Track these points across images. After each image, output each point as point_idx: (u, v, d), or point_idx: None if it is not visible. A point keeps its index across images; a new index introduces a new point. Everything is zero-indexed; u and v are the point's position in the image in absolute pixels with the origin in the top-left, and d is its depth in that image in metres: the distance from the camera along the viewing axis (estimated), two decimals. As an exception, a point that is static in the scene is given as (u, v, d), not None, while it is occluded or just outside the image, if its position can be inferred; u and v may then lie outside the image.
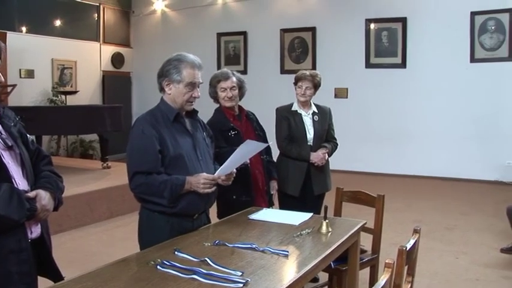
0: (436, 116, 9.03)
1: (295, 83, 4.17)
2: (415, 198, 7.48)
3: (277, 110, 4.26)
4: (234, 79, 3.60)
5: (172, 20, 11.75)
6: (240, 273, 2.10)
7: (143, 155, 2.69)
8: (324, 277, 3.80)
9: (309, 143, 4.13)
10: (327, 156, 4.16)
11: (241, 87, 3.67)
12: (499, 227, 5.56)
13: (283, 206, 3.98)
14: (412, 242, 2.44)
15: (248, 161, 3.34)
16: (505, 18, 8.54)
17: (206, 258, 2.24)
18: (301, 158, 4.08)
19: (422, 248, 4.81)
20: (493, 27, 8.66)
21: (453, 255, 4.99)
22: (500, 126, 8.52)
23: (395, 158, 9.26)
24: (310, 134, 4.14)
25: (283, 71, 10.29)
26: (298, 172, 4.09)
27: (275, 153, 4.12)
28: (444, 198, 7.49)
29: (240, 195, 3.44)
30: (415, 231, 2.59)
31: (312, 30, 10.12)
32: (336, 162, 4.31)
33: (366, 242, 3.56)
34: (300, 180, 4.08)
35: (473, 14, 8.73)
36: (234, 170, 2.90)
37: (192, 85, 2.76)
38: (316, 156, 4.08)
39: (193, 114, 2.93)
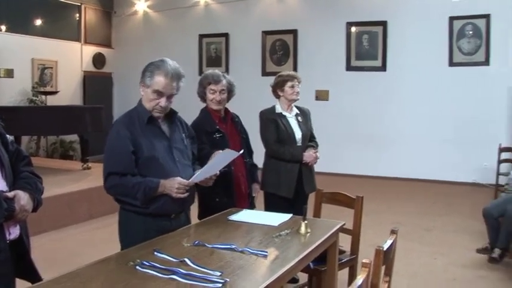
0: (415, 118, 9.17)
1: (282, 85, 4.16)
2: (394, 200, 7.58)
3: (261, 113, 4.23)
4: (225, 82, 3.60)
5: (154, 20, 11.72)
6: (219, 274, 2.12)
7: (117, 156, 2.71)
8: (303, 278, 3.83)
9: (298, 144, 4.15)
10: (318, 155, 4.19)
11: (230, 91, 3.67)
12: (476, 228, 5.66)
13: (272, 209, 3.90)
14: (389, 242, 2.48)
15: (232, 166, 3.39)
16: (481, 23, 8.74)
17: (185, 259, 2.26)
18: (294, 158, 4.09)
19: (401, 249, 4.91)
20: (470, 32, 8.85)
21: (431, 256, 5.07)
22: (477, 129, 8.67)
23: (375, 160, 9.35)
24: (298, 135, 4.16)
25: (264, 73, 10.33)
26: (291, 174, 4.10)
27: (259, 155, 4.15)
28: (423, 200, 7.62)
29: (222, 197, 3.45)
30: (393, 232, 2.63)
31: (294, 32, 10.18)
32: (317, 164, 4.35)
33: (345, 243, 3.60)
34: (293, 182, 4.09)
35: (452, 19, 8.92)
36: (218, 172, 2.93)
37: (159, 94, 2.74)
38: (309, 156, 4.11)
39: (171, 115, 2.93)
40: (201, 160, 3.05)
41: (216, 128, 3.56)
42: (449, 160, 8.79)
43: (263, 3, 10.44)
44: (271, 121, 4.15)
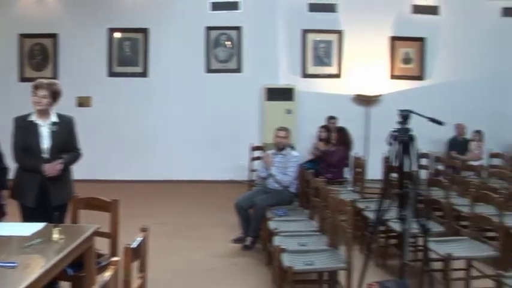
0: (177, 122, 9.63)
1: (32, 92, 4.02)
2: (160, 202, 7.86)
3: (14, 119, 4.05)
4: None
5: None
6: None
7: None
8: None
9: (44, 154, 3.98)
10: (61, 167, 4.01)
11: None
12: (231, 221, 6.14)
13: (25, 219, 3.83)
14: (138, 240, 2.68)
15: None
16: (234, 34, 9.66)
17: None
18: (35, 169, 3.93)
19: (165, 247, 5.24)
20: (225, 42, 9.67)
21: (193, 251, 5.45)
22: (233, 130, 9.50)
23: (141, 164, 9.48)
24: (45, 145, 4.00)
25: (22, 78, 9.66)
26: (33, 183, 3.94)
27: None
28: (186, 200, 8.08)
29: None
30: (142, 230, 2.84)
31: (54, 36, 9.77)
32: (82, 171, 4.33)
33: (106, 247, 3.71)
34: (35, 192, 3.94)
35: (208, 29, 9.63)
36: None
37: None
38: (49, 168, 3.94)
39: None
40: None
41: None
42: (208, 160, 9.41)
43: (20, 4, 9.77)
44: (19, 128, 4.00)
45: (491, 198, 4.44)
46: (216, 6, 9.58)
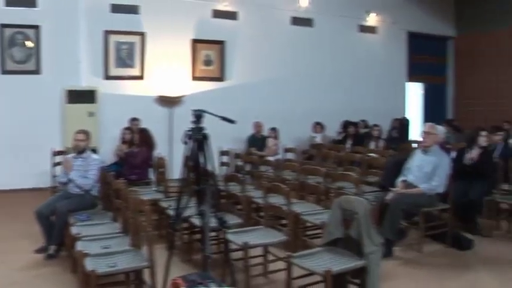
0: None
1: None
2: None
3: None
4: None
5: None
6: None
7: None
8: None
9: None
10: None
11: None
12: (34, 231, 5.84)
13: None
14: None
15: None
16: (31, 33, 9.21)
17: None
18: None
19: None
20: (22, 41, 9.19)
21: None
22: (33, 135, 9.09)
23: None
24: None
25: None
26: None
27: None
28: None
29: None
30: None
31: None
32: None
33: None
34: None
35: (3, 27, 9.03)
36: None
37: None
38: None
39: None
40: None
41: None
42: (7, 168, 8.86)
43: None
44: None
45: (280, 188, 5.00)
46: (10, 2, 9.03)
